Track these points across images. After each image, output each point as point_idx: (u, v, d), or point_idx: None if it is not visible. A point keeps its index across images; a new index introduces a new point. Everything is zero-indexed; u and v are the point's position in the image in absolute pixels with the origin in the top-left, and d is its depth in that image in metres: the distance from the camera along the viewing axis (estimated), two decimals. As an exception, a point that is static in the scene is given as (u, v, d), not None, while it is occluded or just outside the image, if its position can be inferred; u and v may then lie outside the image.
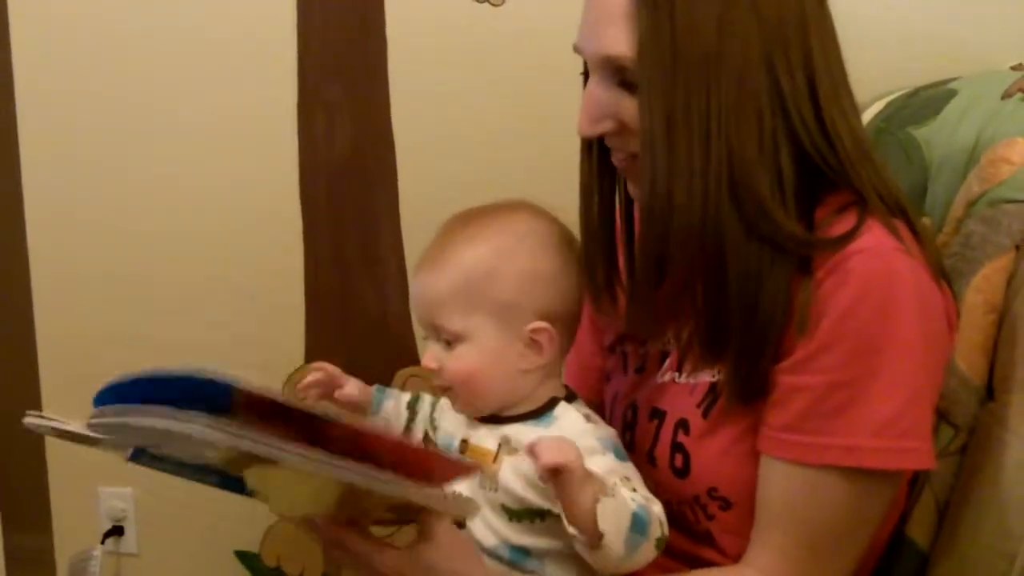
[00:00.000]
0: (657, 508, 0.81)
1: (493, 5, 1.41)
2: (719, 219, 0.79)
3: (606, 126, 0.85)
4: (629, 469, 0.85)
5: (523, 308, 0.86)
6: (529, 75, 1.40)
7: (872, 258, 0.79)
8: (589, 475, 0.77)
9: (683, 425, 0.89)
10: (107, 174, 1.57)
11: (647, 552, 0.79)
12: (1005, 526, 0.83)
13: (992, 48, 1.19)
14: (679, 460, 0.88)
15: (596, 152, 0.90)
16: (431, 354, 0.89)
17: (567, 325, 0.89)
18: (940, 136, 1.01)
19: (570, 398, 0.90)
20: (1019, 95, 0.98)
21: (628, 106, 0.82)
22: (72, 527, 1.69)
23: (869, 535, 0.85)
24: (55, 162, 1.58)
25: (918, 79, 1.11)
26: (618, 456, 0.85)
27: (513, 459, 0.85)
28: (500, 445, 0.87)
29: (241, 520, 1.58)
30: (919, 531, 0.90)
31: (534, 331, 0.87)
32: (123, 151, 1.55)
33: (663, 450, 0.90)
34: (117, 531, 1.66)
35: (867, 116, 1.10)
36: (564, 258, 0.89)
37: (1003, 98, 0.98)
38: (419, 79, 1.46)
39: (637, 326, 0.92)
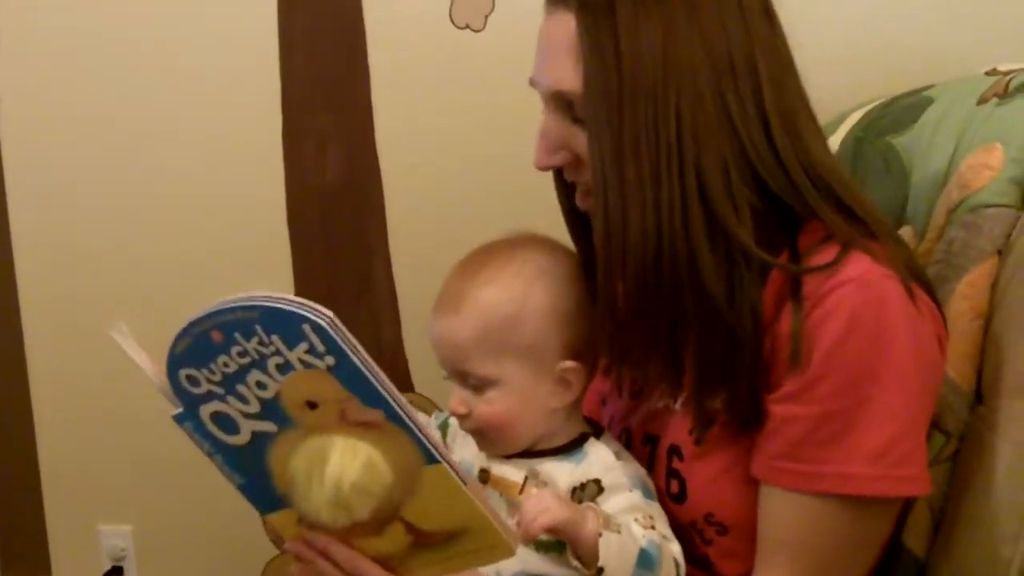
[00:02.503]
0: (675, 547, 0.81)
1: (474, 31, 1.42)
2: (674, 256, 0.77)
3: (562, 158, 0.85)
4: (654, 508, 0.84)
5: (549, 348, 0.86)
6: (511, 99, 1.39)
7: (861, 288, 0.77)
8: (581, 513, 0.77)
9: (675, 451, 0.89)
10: (93, 206, 1.58)
11: None
12: (999, 530, 0.83)
13: (966, 54, 1.20)
14: (675, 486, 0.88)
15: (565, 183, 0.90)
16: (458, 399, 0.87)
17: (590, 357, 0.88)
18: (918, 144, 1.02)
19: (598, 433, 0.90)
20: (994, 100, 0.98)
21: (581, 140, 0.81)
22: (71, 567, 1.69)
23: (871, 557, 0.85)
24: (40, 179, 1.59)
25: (895, 88, 1.12)
26: (645, 495, 0.85)
27: (541, 492, 0.84)
28: (527, 478, 0.87)
29: (240, 556, 1.56)
30: (915, 539, 0.90)
31: (564, 371, 0.86)
32: (109, 183, 1.56)
33: (659, 476, 0.90)
34: (117, 572, 1.65)
35: (845, 126, 1.10)
36: (581, 290, 0.87)
37: (979, 103, 0.99)
38: (402, 105, 1.46)
39: (613, 358, 0.87)
